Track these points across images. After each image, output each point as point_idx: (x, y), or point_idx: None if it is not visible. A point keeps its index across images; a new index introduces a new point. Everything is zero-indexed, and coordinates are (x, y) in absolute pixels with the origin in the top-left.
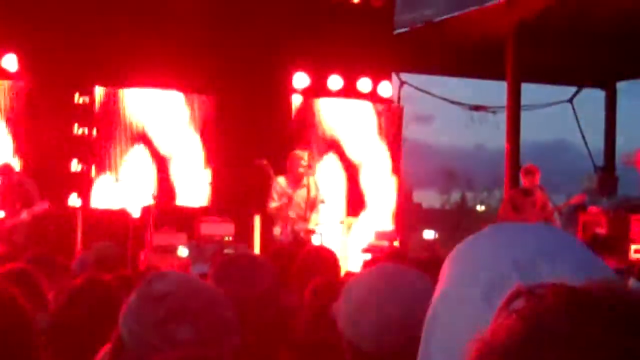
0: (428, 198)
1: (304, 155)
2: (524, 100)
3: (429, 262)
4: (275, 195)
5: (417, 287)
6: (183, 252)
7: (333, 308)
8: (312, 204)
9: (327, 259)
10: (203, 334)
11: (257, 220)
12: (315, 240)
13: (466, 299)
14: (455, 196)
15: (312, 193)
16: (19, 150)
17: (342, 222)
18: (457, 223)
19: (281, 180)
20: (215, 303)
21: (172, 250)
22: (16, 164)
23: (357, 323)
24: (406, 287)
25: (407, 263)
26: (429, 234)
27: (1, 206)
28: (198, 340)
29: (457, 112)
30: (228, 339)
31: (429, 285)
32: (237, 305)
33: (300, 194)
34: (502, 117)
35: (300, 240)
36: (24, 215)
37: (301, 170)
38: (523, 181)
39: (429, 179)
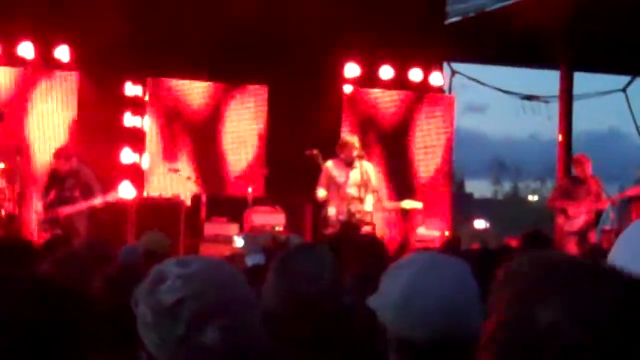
0: (480, 188)
1: (354, 140)
2: (576, 90)
3: (480, 254)
4: (321, 179)
5: (460, 272)
6: (239, 242)
7: (370, 302)
8: (365, 187)
9: (373, 250)
10: (229, 328)
11: (308, 210)
12: (367, 229)
13: None
14: (507, 186)
15: (365, 177)
16: (71, 140)
17: (398, 208)
18: (509, 213)
19: (330, 165)
20: (230, 293)
21: (224, 240)
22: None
23: (403, 312)
24: (450, 272)
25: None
26: (480, 224)
27: (61, 193)
28: (226, 337)
29: (509, 101)
30: (255, 322)
31: (468, 272)
32: (297, 301)
33: (353, 176)
34: (555, 107)
35: (354, 222)
36: (98, 201)
37: (352, 154)
38: (575, 171)
39: (480, 169)
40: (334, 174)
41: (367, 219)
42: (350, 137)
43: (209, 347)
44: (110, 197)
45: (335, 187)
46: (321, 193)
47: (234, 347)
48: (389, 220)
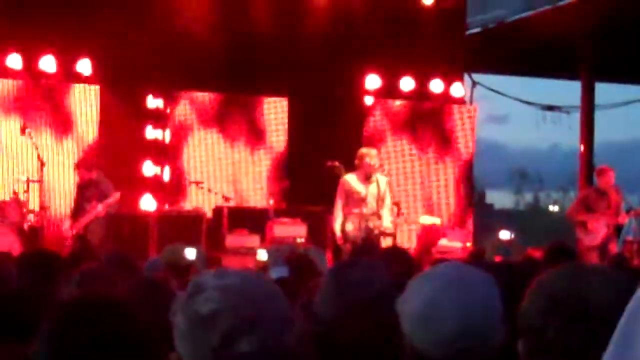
0: (500, 199)
1: (372, 152)
2: (597, 100)
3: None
4: (340, 194)
5: (484, 290)
6: (263, 255)
7: (397, 305)
8: (382, 202)
9: (403, 259)
10: (263, 343)
11: (329, 222)
12: (388, 241)
13: None
14: (528, 197)
15: (382, 190)
16: (92, 153)
17: (417, 223)
18: (530, 224)
19: (350, 178)
20: (265, 305)
21: (245, 252)
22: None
23: (421, 326)
24: (472, 291)
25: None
26: (505, 235)
27: (81, 204)
28: (260, 351)
29: (530, 112)
30: (288, 334)
31: (494, 288)
32: (347, 309)
33: (371, 191)
34: (576, 117)
35: (373, 238)
36: (99, 208)
37: (370, 167)
38: (598, 181)
39: (501, 179)
40: (354, 188)
41: (386, 234)
42: (367, 150)
43: (242, 356)
44: (109, 202)
45: (353, 201)
46: (337, 210)
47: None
48: (411, 233)
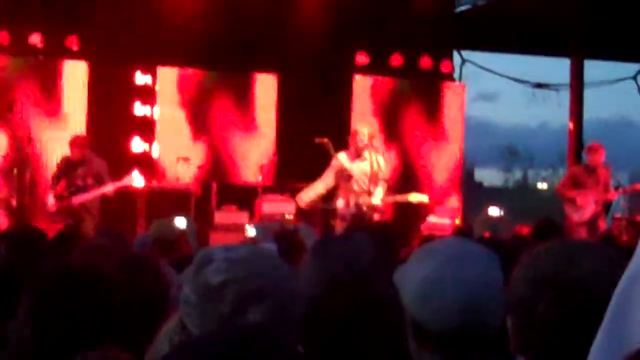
0: (489, 176)
1: (364, 130)
2: (587, 78)
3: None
4: (328, 175)
5: (486, 266)
6: (251, 231)
7: (394, 278)
8: (374, 179)
9: (390, 235)
10: (272, 313)
11: (319, 199)
12: (376, 217)
13: None
14: (517, 174)
15: (375, 167)
16: (80, 129)
17: (405, 201)
18: (519, 201)
19: (342, 156)
20: (274, 276)
21: (234, 228)
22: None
23: (423, 301)
24: (475, 266)
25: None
26: (494, 211)
27: (74, 181)
28: (267, 321)
29: (520, 90)
30: (296, 306)
31: (496, 265)
32: (332, 285)
33: (362, 168)
34: (566, 95)
35: (363, 215)
36: (110, 187)
37: (361, 144)
38: (587, 158)
39: (491, 157)
40: (345, 165)
41: (375, 211)
42: (360, 127)
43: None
44: (122, 183)
45: (345, 179)
46: (305, 198)
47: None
48: (399, 209)
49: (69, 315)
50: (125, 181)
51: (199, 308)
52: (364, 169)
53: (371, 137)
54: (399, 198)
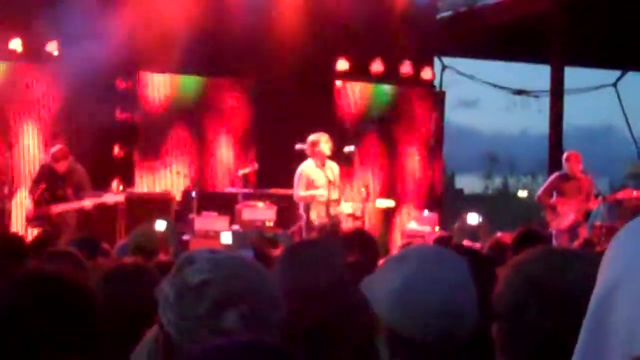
0: (470, 183)
1: (323, 137)
2: (567, 85)
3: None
4: (300, 183)
5: (459, 270)
6: (226, 238)
7: (363, 286)
8: (335, 187)
9: (367, 241)
10: (249, 317)
11: (298, 205)
12: (357, 224)
13: None
14: (498, 182)
15: (335, 176)
16: (61, 136)
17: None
18: (499, 208)
19: (306, 166)
20: (255, 280)
21: (214, 235)
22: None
23: (398, 307)
24: (449, 270)
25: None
26: (473, 218)
27: (54, 191)
28: (246, 324)
29: (500, 96)
30: (274, 314)
31: (467, 270)
32: (302, 294)
33: (326, 177)
34: (546, 102)
35: (339, 224)
36: (87, 202)
37: (328, 153)
38: (566, 167)
39: (471, 163)
40: (312, 176)
41: (352, 219)
42: (319, 136)
43: (227, 330)
44: (100, 200)
45: (313, 189)
46: (301, 193)
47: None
48: (379, 216)
49: (30, 321)
50: (104, 198)
51: (177, 307)
52: (329, 177)
53: (331, 146)
54: (366, 205)
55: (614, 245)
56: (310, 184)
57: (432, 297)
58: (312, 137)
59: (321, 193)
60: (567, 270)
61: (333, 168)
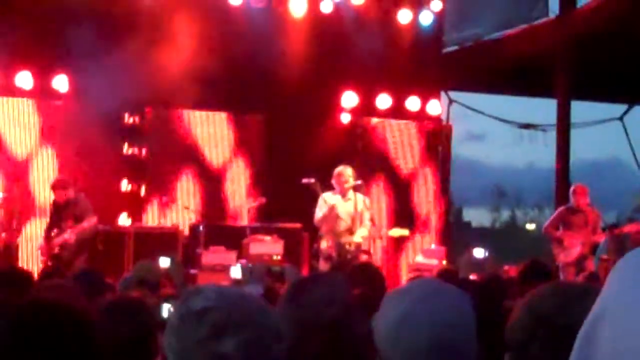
0: (478, 216)
1: (348, 170)
2: (574, 118)
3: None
4: (320, 209)
5: (458, 306)
6: (236, 272)
7: (373, 320)
8: (359, 219)
9: (373, 275)
10: (248, 346)
11: (305, 239)
12: (362, 257)
13: None
14: (505, 214)
15: (359, 207)
16: (69, 170)
17: (387, 234)
18: (507, 241)
19: (327, 196)
20: (257, 312)
21: (222, 269)
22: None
23: (394, 340)
24: (447, 306)
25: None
26: (479, 253)
27: (54, 221)
28: (244, 354)
29: (507, 130)
30: (275, 346)
31: (469, 304)
32: (306, 331)
33: (347, 209)
34: (553, 135)
35: (346, 255)
36: (68, 235)
37: (346, 185)
38: (573, 200)
39: (479, 197)
40: (329, 206)
41: (363, 247)
42: (343, 169)
43: (225, 356)
44: (86, 225)
45: (332, 219)
46: (319, 214)
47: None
48: (386, 249)
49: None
50: (84, 224)
51: (178, 331)
52: (349, 210)
53: (356, 178)
54: (380, 234)
55: (609, 277)
56: (326, 214)
57: (426, 333)
58: (336, 169)
59: (320, 216)
60: (575, 306)
61: (358, 201)
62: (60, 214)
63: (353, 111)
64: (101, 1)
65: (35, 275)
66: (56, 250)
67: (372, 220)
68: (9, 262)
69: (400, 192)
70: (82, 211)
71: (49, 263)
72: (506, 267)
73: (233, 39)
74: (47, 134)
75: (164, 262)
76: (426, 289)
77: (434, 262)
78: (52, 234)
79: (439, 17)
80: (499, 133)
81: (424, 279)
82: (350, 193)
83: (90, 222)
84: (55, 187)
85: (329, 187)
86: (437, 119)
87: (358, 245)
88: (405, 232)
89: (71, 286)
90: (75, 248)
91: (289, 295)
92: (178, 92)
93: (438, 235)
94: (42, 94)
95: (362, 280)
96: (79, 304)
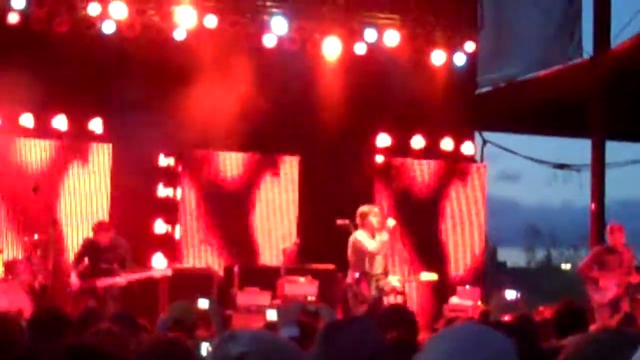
0: (513, 256)
1: (374, 209)
2: (608, 158)
3: (511, 324)
4: (367, 240)
5: (500, 351)
6: (272, 315)
7: None
8: (384, 258)
9: (405, 318)
10: None
11: (340, 280)
12: (398, 299)
13: None
14: (540, 254)
15: (385, 248)
16: (104, 211)
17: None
18: (542, 281)
19: (360, 235)
20: (291, 356)
21: (257, 310)
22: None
23: None
24: (488, 351)
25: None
26: (510, 294)
27: (97, 264)
28: None
29: (541, 170)
30: None
31: (512, 349)
32: None
33: (378, 249)
34: (587, 175)
35: (383, 298)
36: (120, 279)
37: (377, 225)
38: (609, 238)
39: (514, 237)
40: (364, 246)
41: (396, 292)
42: (369, 208)
43: None
44: (146, 274)
45: (365, 260)
46: (372, 245)
47: None
48: (422, 291)
49: None
50: (149, 273)
51: None
52: (379, 249)
53: (382, 217)
54: (410, 279)
55: None
56: (360, 255)
57: None
58: (361, 209)
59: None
60: (618, 355)
61: (383, 239)
62: (99, 256)
63: (387, 151)
64: (137, 50)
65: (74, 317)
66: (101, 292)
67: (406, 261)
68: (46, 304)
69: (435, 232)
70: (124, 254)
71: (90, 303)
72: (541, 308)
73: (267, 82)
74: (83, 176)
75: (203, 303)
76: (468, 332)
77: (469, 302)
78: (89, 273)
79: (473, 58)
80: (533, 173)
81: (464, 322)
82: (376, 233)
83: (142, 273)
84: (98, 229)
85: (360, 229)
86: (471, 160)
87: (395, 289)
88: (434, 276)
89: (111, 329)
90: (120, 292)
91: (323, 335)
92: (213, 134)
93: (473, 276)
94: (76, 136)
95: (395, 322)
96: (122, 349)
